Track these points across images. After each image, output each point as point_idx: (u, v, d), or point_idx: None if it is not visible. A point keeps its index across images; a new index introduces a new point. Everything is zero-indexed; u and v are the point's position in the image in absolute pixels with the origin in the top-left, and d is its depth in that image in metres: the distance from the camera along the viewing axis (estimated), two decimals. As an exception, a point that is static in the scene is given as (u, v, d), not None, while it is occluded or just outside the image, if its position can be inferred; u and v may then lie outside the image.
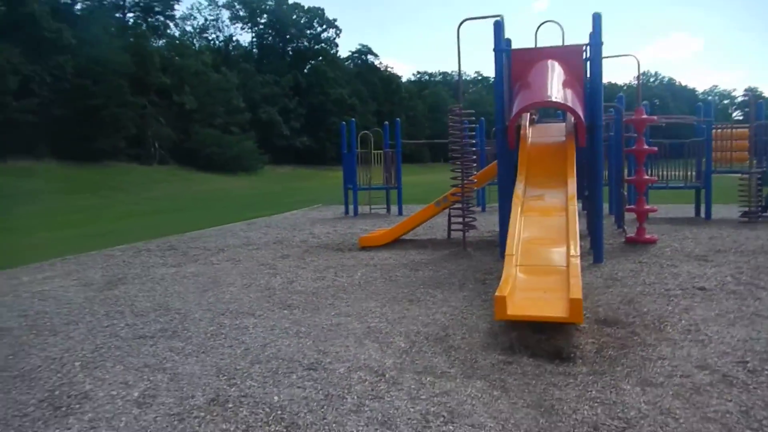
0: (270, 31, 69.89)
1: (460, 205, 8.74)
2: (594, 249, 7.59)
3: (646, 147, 8.93)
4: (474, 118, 8.71)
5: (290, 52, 71.05)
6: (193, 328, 4.93)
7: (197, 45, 59.48)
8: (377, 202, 15.85)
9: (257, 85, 58.64)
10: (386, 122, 16.21)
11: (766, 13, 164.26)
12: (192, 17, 65.03)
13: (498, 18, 7.72)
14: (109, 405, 3.40)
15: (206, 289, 6.54)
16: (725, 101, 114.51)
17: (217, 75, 50.68)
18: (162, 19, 48.37)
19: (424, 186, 26.71)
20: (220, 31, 68.61)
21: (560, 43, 9.23)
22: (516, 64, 8.22)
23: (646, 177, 9.25)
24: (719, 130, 12.32)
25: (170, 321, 5.19)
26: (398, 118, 16.59)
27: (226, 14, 68.54)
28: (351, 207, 15.33)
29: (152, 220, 17.41)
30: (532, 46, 8.82)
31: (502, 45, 7.79)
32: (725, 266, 6.90)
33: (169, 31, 51.13)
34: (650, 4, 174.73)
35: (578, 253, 5.25)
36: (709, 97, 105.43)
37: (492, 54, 7.81)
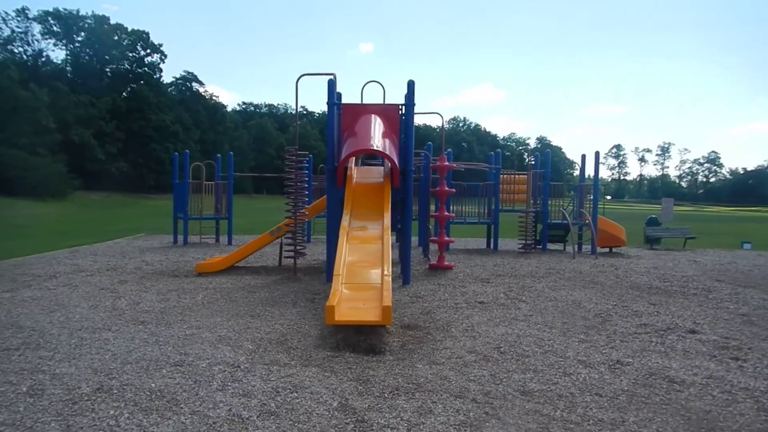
0: (87, 50, 65.59)
1: (292, 234, 9.83)
2: (403, 273, 9.12)
3: (446, 188, 10.80)
4: (307, 158, 9.97)
5: (109, 74, 67.23)
6: (54, 341, 5.43)
7: (0, 57, 54.02)
8: (206, 232, 16.31)
9: (70, 105, 54.70)
10: (218, 154, 16.87)
11: (559, 72, 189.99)
12: (-5, 27, 58.87)
13: (331, 77, 9.11)
14: (2, 397, 3.95)
15: (52, 310, 6.87)
16: (520, 148, 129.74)
17: (24, 92, 46.55)
18: (-43, 26, 43.49)
19: (250, 216, 27.33)
20: (29, 45, 63.00)
21: (381, 99, 10.96)
22: (345, 115, 9.68)
23: (447, 213, 11.14)
24: (505, 176, 14.94)
25: (29, 336, 5.61)
26: (231, 152, 17.30)
27: (37, 28, 63.12)
28: (180, 236, 15.61)
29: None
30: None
31: (334, 100, 9.17)
32: (501, 286, 8.82)
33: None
34: (463, 57, 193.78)
35: (389, 273, 6.67)
36: (508, 143, 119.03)
37: (324, 105, 9.22)
